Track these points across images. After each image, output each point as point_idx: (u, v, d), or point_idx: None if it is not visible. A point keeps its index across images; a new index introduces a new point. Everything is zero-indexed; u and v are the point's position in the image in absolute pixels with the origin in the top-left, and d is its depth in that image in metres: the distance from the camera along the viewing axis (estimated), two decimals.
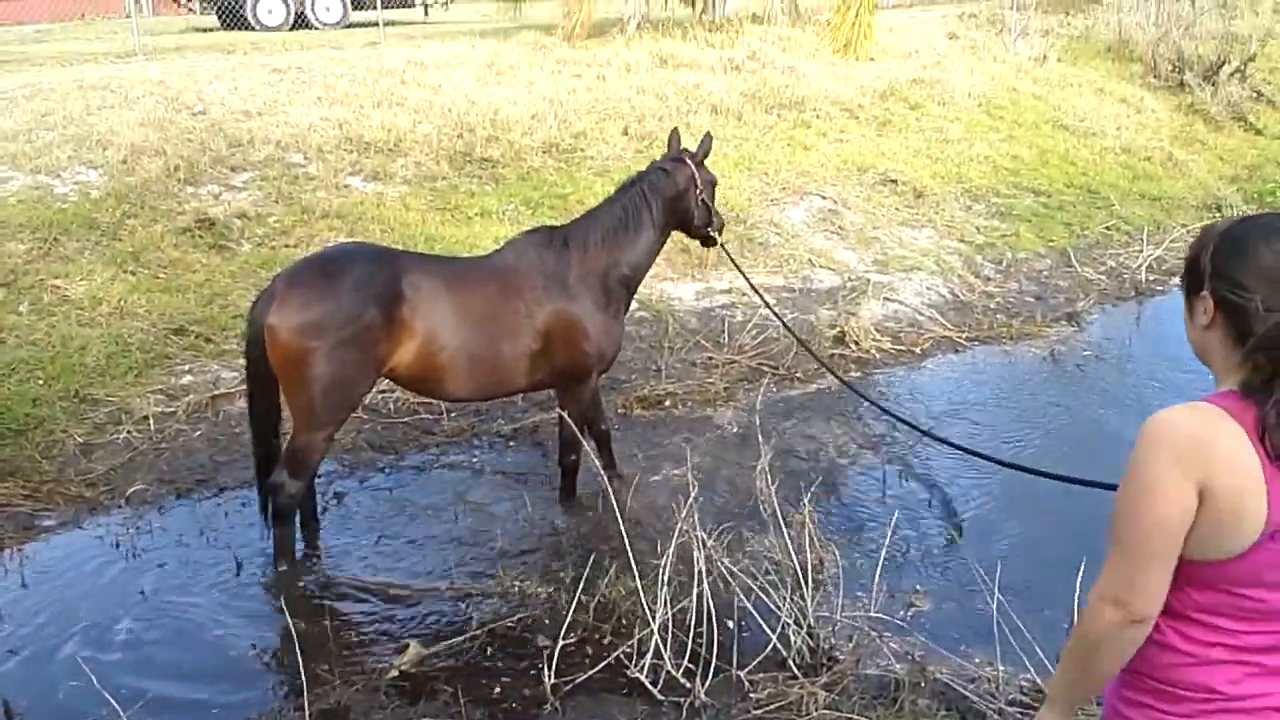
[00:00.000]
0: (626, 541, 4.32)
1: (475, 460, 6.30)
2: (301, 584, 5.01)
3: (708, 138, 5.95)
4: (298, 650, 3.83)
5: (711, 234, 5.93)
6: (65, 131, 9.30)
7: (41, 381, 6.50)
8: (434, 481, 6.05)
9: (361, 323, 4.69)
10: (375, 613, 4.81)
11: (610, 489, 4.67)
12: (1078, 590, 4.23)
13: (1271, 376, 1.81)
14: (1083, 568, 4.26)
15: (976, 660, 4.36)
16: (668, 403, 7.11)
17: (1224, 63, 15.86)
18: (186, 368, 6.91)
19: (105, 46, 15.73)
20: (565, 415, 5.33)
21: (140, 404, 6.45)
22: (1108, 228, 10.99)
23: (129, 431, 6.24)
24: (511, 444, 6.51)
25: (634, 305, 7.85)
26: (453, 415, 6.73)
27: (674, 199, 5.67)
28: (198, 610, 4.80)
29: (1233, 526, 1.81)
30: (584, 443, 5.36)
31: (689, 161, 5.74)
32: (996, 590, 4.26)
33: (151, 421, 6.33)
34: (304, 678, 3.78)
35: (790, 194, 10.25)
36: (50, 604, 4.80)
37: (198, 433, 6.36)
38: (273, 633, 4.64)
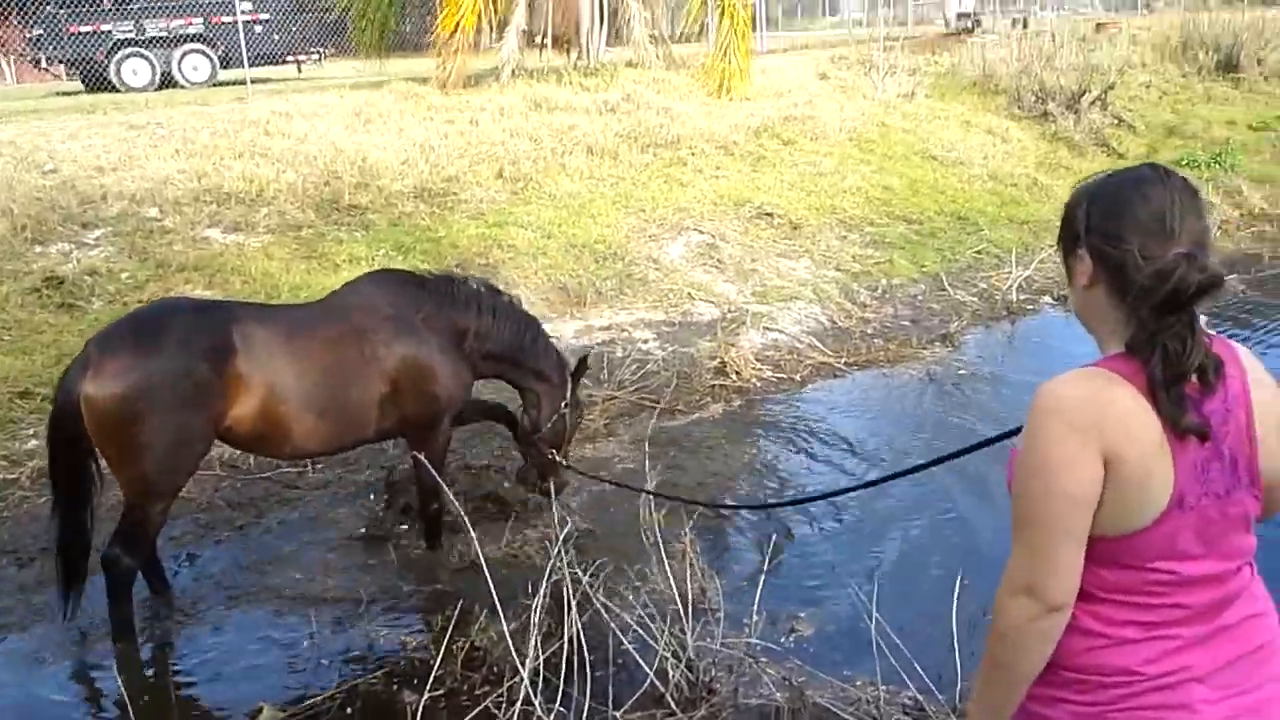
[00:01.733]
0: (490, 584, 4.10)
1: (341, 513, 6.00)
2: (148, 654, 4.67)
3: (584, 360, 5.82)
4: None
5: (553, 457, 5.58)
6: None
7: None
8: (296, 538, 5.72)
9: (191, 381, 4.33)
10: (228, 679, 4.49)
11: (473, 537, 4.40)
12: (955, 604, 4.17)
13: (1155, 331, 1.71)
14: (959, 580, 4.21)
15: (859, 682, 4.25)
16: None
17: (1085, 92, 16.46)
18: (31, 431, 6.48)
19: None
20: (418, 465, 5.07)
21: None
22: (978, 252, 11.21)
23: None
24: (376, 494, 6.21)
25: None
26: (318, 468, 6.44)
27: (538, 365, 5.52)
28: (36, 689, 4.43)
29: (1139, 496, 1.71)
30: (444, 489, 5.09)
31: (568, 373, 5.67)
32: (875, 610, 4.15)
33: None
34: None
35: (668, 230, 10.23)
36: None
37: (44, 499, 5.91)
38: (116, 710, 4.28)
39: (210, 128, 11.23)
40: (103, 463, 4.61)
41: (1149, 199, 1.78)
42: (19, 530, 5.66)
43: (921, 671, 4.05)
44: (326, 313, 4.99)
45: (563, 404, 5.59)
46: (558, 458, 5.63)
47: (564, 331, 8.39)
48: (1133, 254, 1.76)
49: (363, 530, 5.78)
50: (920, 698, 3.98)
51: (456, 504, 4.39)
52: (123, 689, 3.74)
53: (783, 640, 4.65)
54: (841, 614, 4.79)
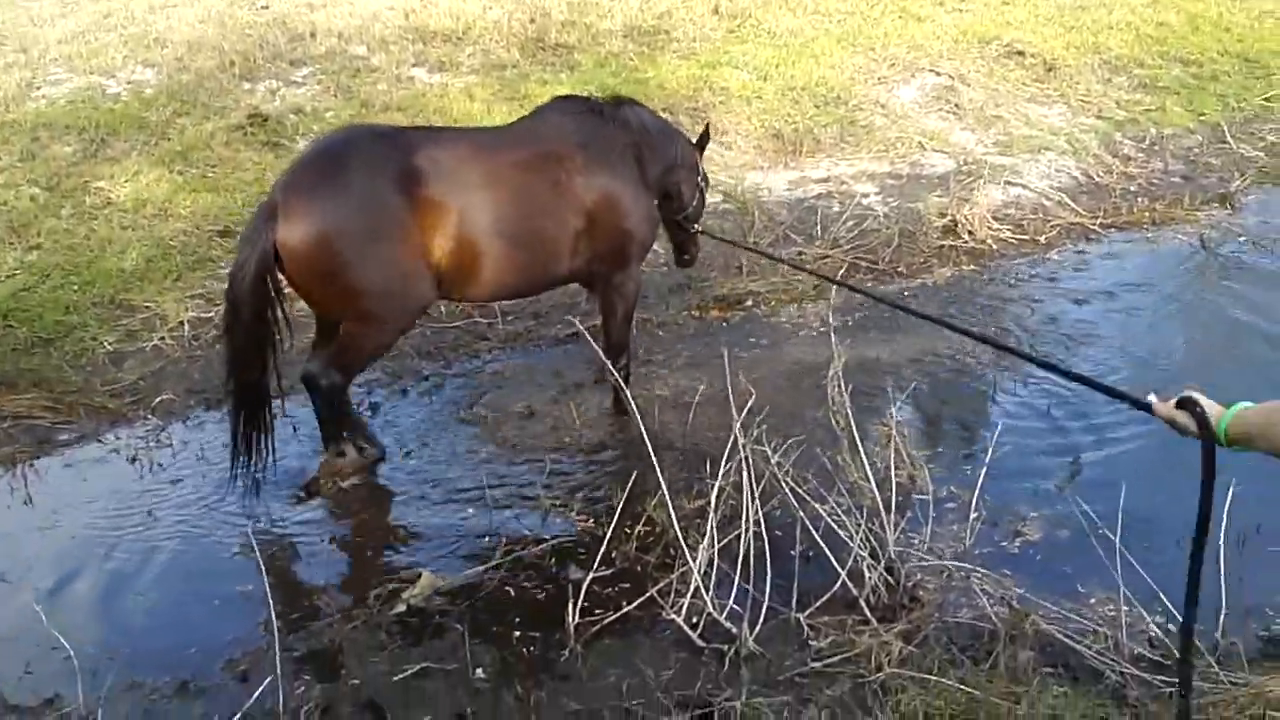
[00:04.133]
0: (654, 458, 3.62)
1: (529, 369, 5.66)
2: (315, 505, 4.49)
3: (708, 129, 5.48)
4: (266, 583, 3.29)
5: (697, 230, 5.47)
6: (125, 31, 8.93)
7: (76, 287, 6.11)
8: (480, 392, 5.43)
9: (384, 211, 4.03)
10: (392, 538, 4.28)
11: (629, 401, 3.95)
12: (1224, 519, 3.41)
13: None
14: (1230, 494, 3.40)
15: (1093, 602, 3.59)
16: (749, 302, 6.33)
17: None
18: (229, 271, 6.43)
19: None
20: (608, 315, 4.79)
21: (177, 310, 6.00)
22: (1267, 99, 9.56)
23: (162, 338, 5.80)
24: (568, 349, 5.82)
25: (716, 197, 7.11)
26: (509, 319, 6.10)
27: (669, 166, 5.08)
28: (203, 533, 4.34)
29: None
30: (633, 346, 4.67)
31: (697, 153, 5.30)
32: (1119, 520, 3.45)
33: (187, 327, 5.88)
34: (273, 618, 3.24)
35: (900, 71, 9.18)
36: (47, 524, 4.40)
37: None
38: (275, 561, 4.13)
39: None
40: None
41: None
42: (209, 371, 5.59)
43: (1167, 601, 3.35)
44: (515, 138, 4.61)
45: (699, 179, 5.28)
46: (698, 229, 5.48)
47: (776, 183, 7.68)
48: None
49: (551, 387, 5.43)
50: (1166, 631, 3.29)
51: (617, 374, 3.92)
52: (255, 546, 3.53)
53: (1004, 546, 4.00)
54: (1076, 519, 4.02)
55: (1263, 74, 10.11)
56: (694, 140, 5.32)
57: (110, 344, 5.75)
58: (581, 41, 9.15)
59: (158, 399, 5.36)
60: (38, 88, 8.04)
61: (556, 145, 4.53)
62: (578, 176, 4.50)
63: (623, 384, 4.96)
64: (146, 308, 6.03)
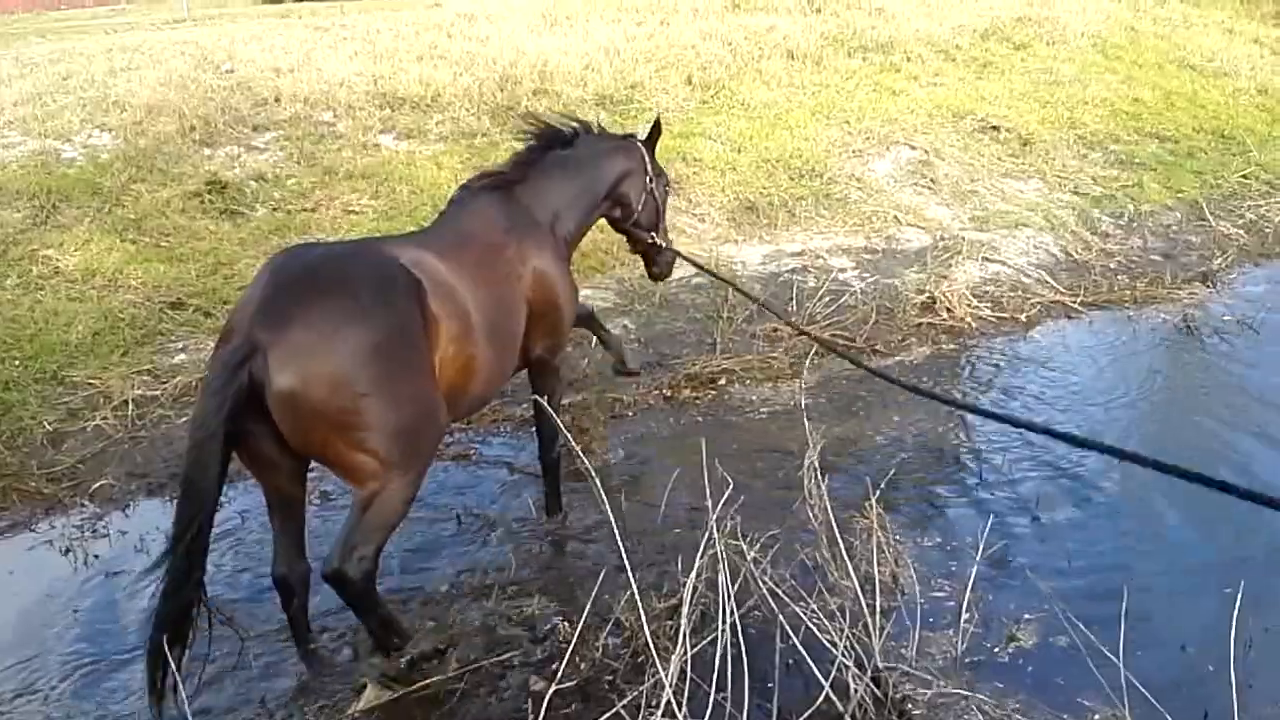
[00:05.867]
0: (625, 557, 3.32)
1: (486, 454, 5.38)
2: (258, 607, 4.15)
3: (657, 123, 5.01)
4: (186, 703, 2.93)
5: (654, 240, 4.99)
6: (84, 94, 8.70)
7: (17, 362, 5.80)
8: (434, 479, 5.09)
9: (410, 333, 3.41)
10: (335, 642, 3.92)
11: (603, 494, 3.56)
12: (1234, 626, 3.16)
13: None
14: (1240, 594, 3.18)
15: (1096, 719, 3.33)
16: (722, 381, 6.10)
17: None
18: (180, 345, 6.15)
19: (166, 17, 15.27)
20: (544, 401, 4.28)
21: (122, 387, 5.68)
22: (1245, 176, 9.58)
23: (104, 418, 5.48)
24: (530, 432, 5.52)
25: (690, 270, 6.92)
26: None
27: (619, 178, 4.74)
28: (132, 634, 3.98)
29: None
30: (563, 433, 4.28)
31: (640, 144, 4.87)
32: (1123, 625, 3.20)
33: (131, 406, 5.56)
34: None
35: (875, 144, 9.09)
36: None
37: (182, 419, 5.56)
38: (212, 667, 3.78)
39: (394, 30, 10.78)
40: None
41: None
42: (153, 453, 5.29)
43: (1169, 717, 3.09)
44: (460, 235, 4.09)
45: (646, 180, 4.86)
46: (657, 239, 5.01)
47: (749, 256, 7.51)
48: None
49: (511, 473, 5.14)
50: None
51: (587, 460, 3.62)
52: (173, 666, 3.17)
53: (996, 651, 3.73)
54: (1075, 621, 3.77)
55: (1239, 150, 10.16)
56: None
57: (50, 423, 5.43)
58: (552, 109, 8.96)
59: (97, 484, 5.05)
60: None
61: (494, 234, 4.12)
62: (519, 265, 4.13)
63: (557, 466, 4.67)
64: (90, 384, 5.72)
